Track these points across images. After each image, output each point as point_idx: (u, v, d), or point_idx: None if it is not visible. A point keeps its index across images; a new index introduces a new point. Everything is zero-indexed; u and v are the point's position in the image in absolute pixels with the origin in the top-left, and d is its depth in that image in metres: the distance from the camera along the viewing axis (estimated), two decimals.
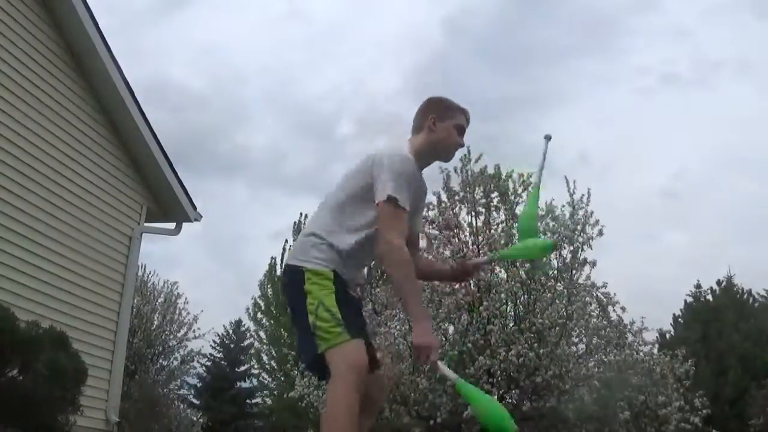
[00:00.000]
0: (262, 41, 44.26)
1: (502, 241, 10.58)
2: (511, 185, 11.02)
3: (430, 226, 10.89)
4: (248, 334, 24.30)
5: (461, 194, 11.00)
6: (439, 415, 10.26)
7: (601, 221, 10.73)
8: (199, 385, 24.64)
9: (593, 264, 10.64)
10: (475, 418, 10.13)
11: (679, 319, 20.22)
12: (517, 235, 2.91)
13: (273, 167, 39.03)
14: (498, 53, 37.23)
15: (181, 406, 21.59)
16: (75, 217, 7.83)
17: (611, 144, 38.11)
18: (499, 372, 9.87)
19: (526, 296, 10.41)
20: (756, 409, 13.06)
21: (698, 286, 20.30)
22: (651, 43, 35.48)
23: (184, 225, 9.47)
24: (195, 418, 22.45)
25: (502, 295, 10.26)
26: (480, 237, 10.85)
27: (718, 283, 20.05)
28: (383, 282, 11.31)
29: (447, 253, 10.67)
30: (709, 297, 20.10)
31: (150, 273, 20.14)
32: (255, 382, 24.57)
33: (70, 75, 7.84)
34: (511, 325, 10.18)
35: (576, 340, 11.06)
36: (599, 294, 10.87)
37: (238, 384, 24.72)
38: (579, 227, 10.60)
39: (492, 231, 10.87)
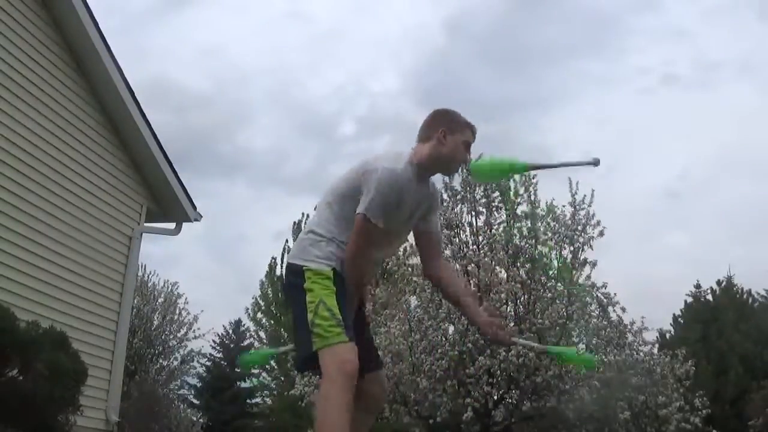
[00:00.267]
0: (263, 42, 44.27)
1: (502, 241, 10.59)
2: (512, 185, 11.02)
3: None
4: (248, 334, 24.31)
5: (462, 194, 11.01)
6: (439, 415, 10.27)
7: (602, 222, 10.75)
8: (199, 385, 24.63)
9: (594, 264, 10.65)
10: (474, 419, 10.15)
11: (679, 319, 20.20)
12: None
13: (274, 167, 39.02)
14: (499, 53, 37.20)
15: (181, 406, 21.60)
16: (75, 217, 7.82)
17: (611, 144, 38.08)
18: (499, 372, 9.87)
19: (526, 296, 10.41)
20: (755, 410, 13.04)
21: (698, 286, 20.28)
22: (651, 43, 35.49)
23: (184, 225, 9.46)
24: (195, 418, 22.45)
25: (502, 295, 10.26)
26: (480, 237, 10.86)
27: (718, 283, 20.03)
28: (383, 282, 11.32)
29: (447, 252, 10.68)
30: (709, 297, 20.09)
31: (150, 273, 20.17)
32: (255, 382, 24.58)
33: (70, 75, 7.83)
34: (511, 325, 10.17)
35: (576, 340, 11.07)
36: (599, 294, 10.88)
37: (238, 384, 24.70)
38: (580, 227, 10.60)
39: (493, 231, 10.88)
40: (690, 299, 20.26)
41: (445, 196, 11.05)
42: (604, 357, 10.93)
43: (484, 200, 10.90)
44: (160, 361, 20.47)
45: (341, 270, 2.70)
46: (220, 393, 23.53)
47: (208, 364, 24.77)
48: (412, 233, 3.00)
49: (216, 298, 34.44)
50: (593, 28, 37.50)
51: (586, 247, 10.64)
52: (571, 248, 10.62)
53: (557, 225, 10.69)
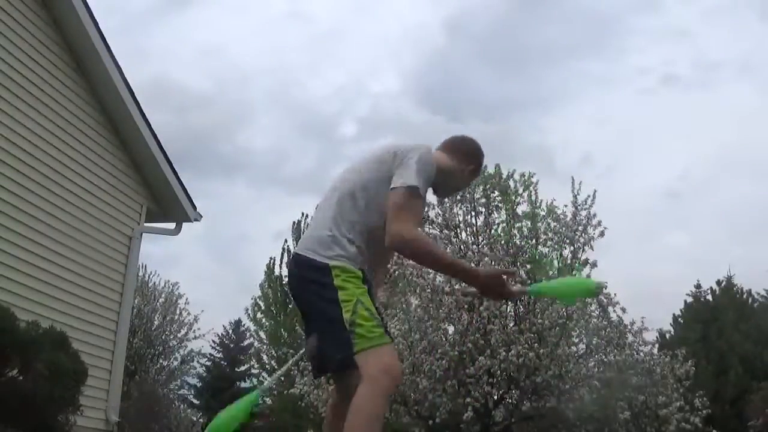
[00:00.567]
0: (263, 42, 44.28)
1: (502, 242, 10.59)
2: (511, 185, 11.03)
3: (430, 226, 10.90)
4: (248, 334, 24.31)
5: (461, 194, 11.01)
6: (439, 415, 10.27)
7: (602, 222, 10.76)
8: (199, 385, 24.65)
9: (594, 265, 10.65)
10: (474, 418, 10.15)
11: (679, 319, 20.21)
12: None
13: (275, 167, 39.04)
14: (499, 53, 37.23)
15: (181, 406, 21.61)
16: (75, 217, 7.82)
17: (612, 144, 38.10)
18: (499, 372, 9.87)
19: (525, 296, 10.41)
20: (755, 410, 13.04)
21: (698, 286, 20.29)
22: (652, 43, 35.49)
23: (184, 225, 9.46)
24: (195, 418, 22.45)
25: None
26: (480, 237, 10.86)
27: (718, 283, 20.04)
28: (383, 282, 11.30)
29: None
30: (709, 297, 20.09)
31: (151, 273, 20.18)
32: (255, 381, 24.58)
33: (70, 75, 7.83)
34: (511, 325, 10.19)
35: (576, 340, 11.08)
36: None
37: (238, 384, 24.71)
38: (581, 228, 10.60)
39: (492, 231, 10.88)
40: (690, 299, 20.27)
41: None
42: (604, 357, 10.93)
43: (483, 200, 10.90)
44: (160, 361, 20.48)
45: (365, 270, 2.56)
46: (220, 393, 23.52)
47: (208, 364, 24.79)
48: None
49: (216, 298, 34.49)
50: (593, 29, 37.56)
51: (586, 248, 10.65)
52: (572, 248, 10.62)
53: (558, 225, 10.69)
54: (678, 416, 10.57)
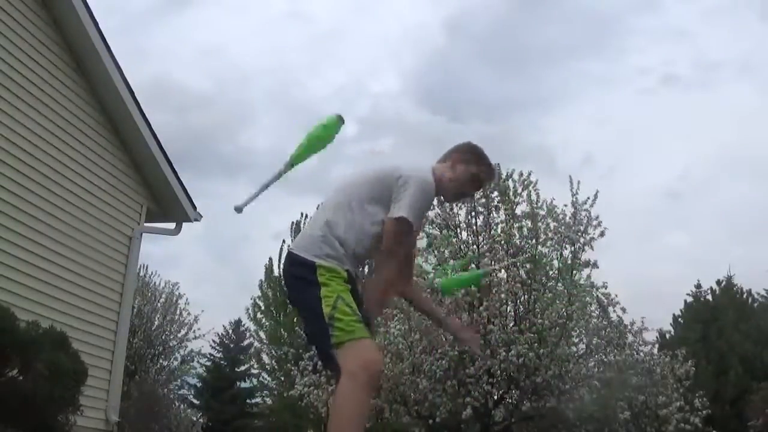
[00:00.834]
0: (264, 42, 44.28)
1: (502, 241, 10.58)
2: (511, 185, 11.01)
3: (430, 226, 10.89)
4: (248, 334, 24.31)
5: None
6: (439, 414, 10.27)
7: (602, 222, 10.74)
8: (199, 385, 24.64)
9: (594, 264, 10.64)
10: (474, 418, 10.15)
11: (679, 319, 20.21)
12: None
13: (276, 168, 38.97)
14: (499, 54, 37.23)
15: (181, 406, 21.61)
16: (75, 217, 7.82)
17: (612, 144, 38.11)
18: (499, 372, 9.87)
19: (526, 296, 10.41)
20: (755, 410, 13.05)
21: (698, 286, 20.30)
22: (652, 43, 35.50)
23: (185, 225, 9.46)
24: (195, 418, 22.46)
25: (502, 295, 10.26)
26: (480, 237, 10.86)
27: (718, 283, 20.04)
28: None
29: (447, 252, 10.68)
30: (709, 297, 20.09)
31: (151, 273, 20.18)
32: (255, 382, 24.57)
33: (70, 75, 7.83)
34: (511, 325, 10.18)
35: (576, 340, 11.07)
36: (599, 294, 10.87)
37: (238, 384, 24.71)
38: (581, 228, 10.59)
39: (492, 231, 10.87)
40: (690, 299, 20.27)
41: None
42: (604, 357, 10.93)
43: (483, 200, 10.89)
44: (160, 361, 20.48)
45: (352, 270, 2.69)
46: (220, 393, 23.55)
47: (208, 364, 24.78)
48: None
49: (216, 298, 34.49)
50: (593, 29, 37.56)
51: (586, 248, 10.63)
52: (572, 248, 10.61)
53: (558, 225, 10.68)
54: (678, 416, 10.57)
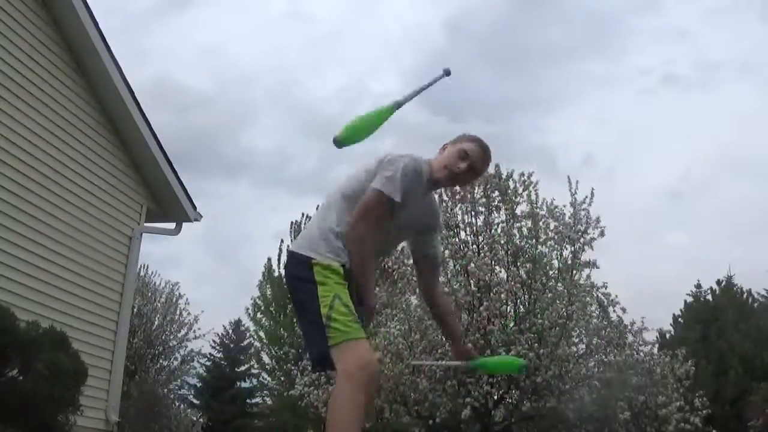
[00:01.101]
0: (264, 42, 44.28)
1: (503, 241, 10.58)
2: (511, 185, 11.02)
3: None
4: (248, 334, 24.30)
5: (461, 194, 10.99)
6: (439, 415, 10.27)
7: (602, 222, 10.74)
8: (199, 385, 24.63)
9: (594, 265, 10.64)
10: (474, 418, 10.15)
11: (679, 319, 20.21)
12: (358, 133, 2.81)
13: (278, 168, 39.03)
14: (499, 54, 37.21)
15: (181, 406, 21.61)
16: (75, 217, 7.82)
17: (612, 145, 38.11)
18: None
19: (526, 296, 10.41)
20: (755, 410, 13.05)
21: (698, 286, 20.29)
22: (652, 43, 35.48)
23: (185, 225, 9.47)
24: (195, 418, 22.46)
25: (502, 295, 10.25)
26: (480, 237, 10.86)
27: (718, 283, 20.03)
28: (383, 281, 11.32)
29: (447, 252, 10.67)
30: (709, 297, 20.09)
31: (151, 273, 20.18)
32: (255, 382, 24.58)
33: (70, 75, 7.83)
34: (511, 325, 10.18)
35: (576, 340, 11.07)
36: (599, 294, 10.88)
37: (238, 384, 24.70)
38: (581, 227, 10.59)
39: (492, 231, 10.87)
40: (690, 299, 20.27)
41: (444, 196, 11.04)
42: (604, 357, 10.93)
43: (483, 200, 10.89)
44: (160, 361, 20.47)
45: (350, 266, 2.65)
46: (220, 393, 23.54)
47: (208, 364, 24.77)
48: (412, 257, 3.06)
49: (216, 298, 34.49)
50: (594, 29, 37.54)
51: (586, 247, 10.63)
52: (572, 248, 10.61)
53: (558, 225, 10.68)
54: (678, 416, 10.57)
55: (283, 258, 21.24)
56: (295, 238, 20.52)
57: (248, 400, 24.53)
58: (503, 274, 10.55)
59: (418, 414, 10.64)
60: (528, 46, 36.30)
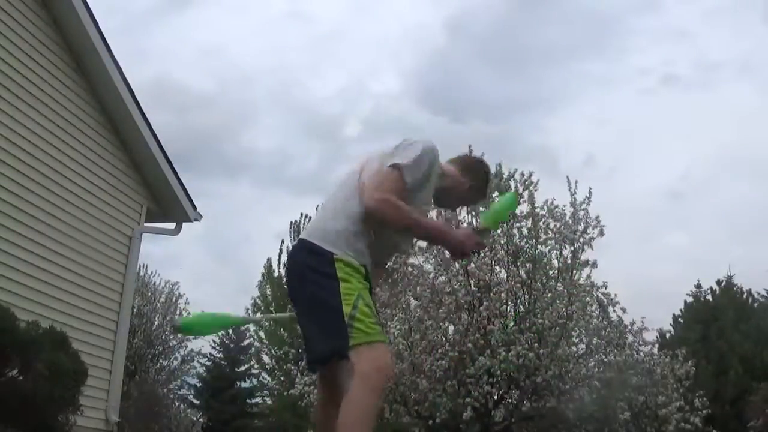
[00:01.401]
0: (265, 42, 44.27)
1: (502, 241, 10.58)
2: (512, 185, 11.01)
3: None
4: (248, 334, 24.32)
5: None
6: (439, 415, 10.26)
7: (602, 221, 10.74)
8: (199, 385, 24.63)
9: (594, 264, 10.63)
10: (474, 418, 10.15)
11: (679, 319, 20.20)
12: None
13: (279, 168, 39.03)
14: (500, 54, 37.22)
15: (181, 406, 21.62)
16: (75, 217, 7.83)
17: (612, 145, 38.11)
18: (499, 372, 9.86)
19: (526, 296, 10.41)
20: (755, 410, 13.05)
21: (698, 286, 20.28)
22: (652, 44, 35.50)
23: (185, 225, 9.48)
24: (195, 418, 22.46)
25: (502, 295, 10.25)
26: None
27: (718, 283, 20.03)
28: (383, 281, 11.32)
29: (447, 252, 10.66)
30: (709, 297, 20.08)
31: (151, 273, 20.18)
32: (255, 382, 24.58)
33: (70, 75, 7.84)
34: (511, 325, 10.17)
35: (576, 340, 11.06)
36: (599, 294, 10.87)
37: (238, 384, 24.71)
38: (580, 227, 10.59)
39: (492, 231, 10.86)
40: (690, 299, 20.26)
41: None
42: (604, 357, 10.92)
43: (483, 200, 10.88)
44: (160, 361, 20.49)
45: (369, 268, 2.59)
46: (220, 393, 23.54)
47: (208, 364, 24.78)
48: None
49: (216, 298, 34.49)
50: (594, 29, 37.56)
51: (586, 247, 10.63)
52: (572, 248, 10.61)
53: (559, 225, 10.68)
54: (678, 416, 10.56)
55: (284, 258, 21.29)
56: (295, 238, 20.56)
57: (248, 400, 24.53)
58: (503, 274, 10.55)
59: (418, 414, 10.63)
60: (528, 46, 36.36)
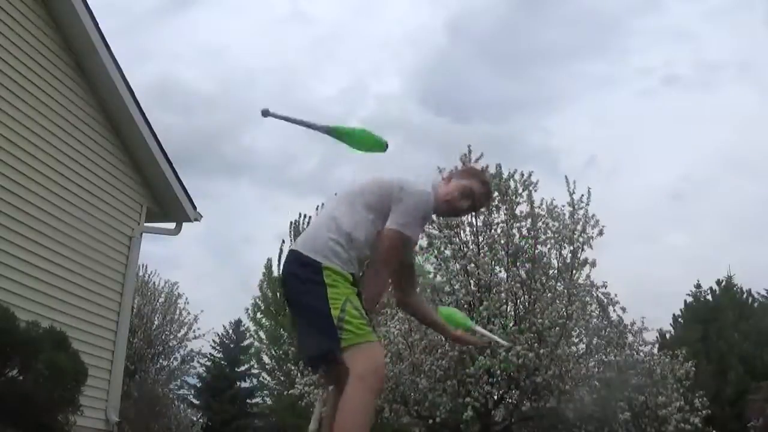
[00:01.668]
0: (266, 43, 44.27)
1: (502, 241, 10.59)
2: (512, 185, 11.02)
3: (431, 226, 10.90)
4: (248, 334, 24.31)
5: None
6: (439, 414, 10.27)
7: (601, 221, 10.75)
8: (199, 385, 24.62)
9: (593, 264, 10.64)
10: (474, 418, 10.15)
11: (679, 319, 20.20)
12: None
13: (280, 169, 39.01)
14: (500, 55, 37.23)
15: (181, 406, 21.60)
16: (75, 218, 7.82)
17: (614, 145, 38.11)
18: (499, 372, 9.87)
19: (526, 296, 10.41)
20: (755, 409, 13.06)
21: (698, 286, 20.29)
22: (653, 44, 35.50)
23: (185, 225, 9.47)
24: (195, 418, 22.46)
25: (502, 295, 10.26)
26: (480, 237, 10.86)
27: (718, 283, 20.03)
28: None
29: (448, 252, 10.68)
30: (709, 297, 20.08)
31: (151, 273, 20.17)
32: (255, 382, 24.57)
33: (70, 75, 7.83)
34: (511, 324, 10.18)
35: (576, 340, 11.08)
36: (599, 294, 10.88)
37: (238, 384, 24.70)
38: (579, 227, 10.60)
39: (492, 231, 10.87)
40: (690, 299, 20.27)
41: None
42: (604, 357, 10.94)
43: None
44: (160, 361, 20.47)
45: (356, 276, 2.69)
46: (220, 393, 23.53)
47: (208, 364, 24.77)
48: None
49: (216, 298, 34.43)
50: (594, 30, 37.56)
51: (585, 247, 10.64)
52: (571, 248, 10.62)
53: (558, 225, 10.69)
54: (678, 416, 10.58)
55: (284, 259, 21.15)
56: (295, 238, 20.55)
57: (248, 400, 24.52)
58: (503, 274, 10.56)
59: (418, 414, 10.64)
60: (529, 46, 36.37)
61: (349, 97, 39.40)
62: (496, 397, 10.39)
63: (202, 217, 9.60)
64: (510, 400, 10.47)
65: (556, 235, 10.62)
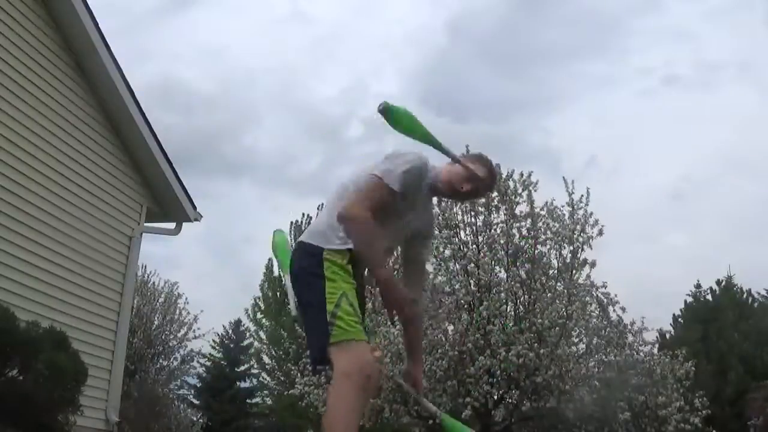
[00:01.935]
0: (266, 43, 44.25)
1: (502, 241, 10.59)
2: (511, 185, 11.02)
3: None
4: (248, 334, 24.32)
5: None
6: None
7: (600, 221, 10.75)
8: (199, 385, 24.62)
9: (593, 264, 10.64)
10: (474, 418, 10.15)
11: (679, 319, 20.20)
12: None
13: (281, 169, 38.99)
14: (501, 55, 37.23)
15: (181, 406, 21.60)
16: (75, 217, 7.83)
17: (615, 145, 38.10)
18: (499, 372, 9.87)
19: (526, 296, 10.41)
20: (755, 408, 13.06)
21: (698, 286, 20.28)
22: (653, 44, 35.50)
23: (185, 225, 9.48)
24: (195, 418, 22.46)
25: (502, 295, 10.26)
26: (480, 237, 10.86)
27: (718, 283, 20.02)
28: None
29: (447, 252, 10.68)
30: (709, 297, 20.08)
31: (150, 273, 20.17)
32: (255, 382, 24.57)
33: (70, 75, 7.84)
34: (511, 325, 10.18)
35: (576, 340, 11.08)
36: (599, 294, 10.88)
37: (238, 384, 24.70)
38: (579, 227, 10.60)
39: (492, 231, 10.88)
40: (690, 299, 20.27)
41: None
42: (604, 357, 10.93)
43: (483, 200, 10.89)
44: (160, 361, 20.47)
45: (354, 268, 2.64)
46: (220, 393, 23.54)
47: (208, 364, 24.77)
48: (402, 258, 3.01)
49: (216, 298, 34.41)
50: (594, 30, 37.56)
51: (585, 247, 10.64)
52: (571, 248, 10.62)
53: (558, 225, 10.69)
54: (678, 416, 10.58)
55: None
56: (295, 238, 20.52)
57: (248, 400, 24.52)
58: (503, 274, 10.56)
59: (418, 414, 10.64)
60: (529, 47, 36.37)
61: (349, 97, 39.42)
62: (496, 397, 10.39)
63: (202, 217, 9.61)
64: (510, 400, 10.46)
65: (555, 236, 10.62)
